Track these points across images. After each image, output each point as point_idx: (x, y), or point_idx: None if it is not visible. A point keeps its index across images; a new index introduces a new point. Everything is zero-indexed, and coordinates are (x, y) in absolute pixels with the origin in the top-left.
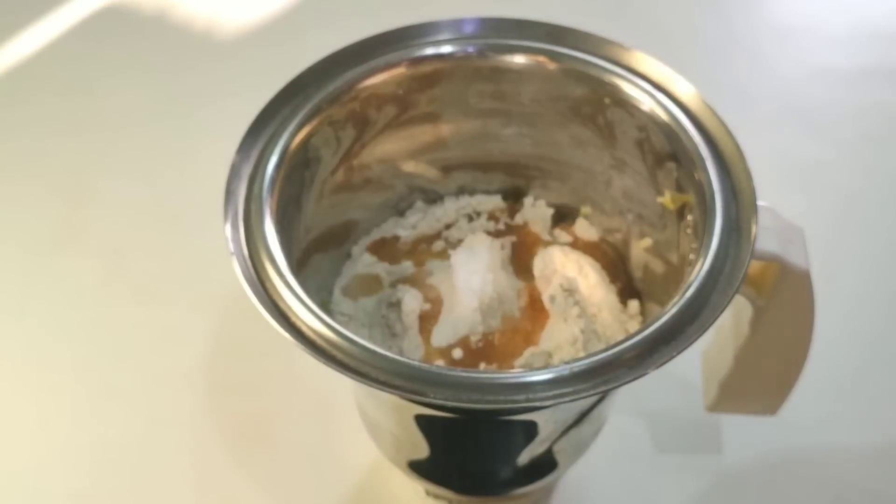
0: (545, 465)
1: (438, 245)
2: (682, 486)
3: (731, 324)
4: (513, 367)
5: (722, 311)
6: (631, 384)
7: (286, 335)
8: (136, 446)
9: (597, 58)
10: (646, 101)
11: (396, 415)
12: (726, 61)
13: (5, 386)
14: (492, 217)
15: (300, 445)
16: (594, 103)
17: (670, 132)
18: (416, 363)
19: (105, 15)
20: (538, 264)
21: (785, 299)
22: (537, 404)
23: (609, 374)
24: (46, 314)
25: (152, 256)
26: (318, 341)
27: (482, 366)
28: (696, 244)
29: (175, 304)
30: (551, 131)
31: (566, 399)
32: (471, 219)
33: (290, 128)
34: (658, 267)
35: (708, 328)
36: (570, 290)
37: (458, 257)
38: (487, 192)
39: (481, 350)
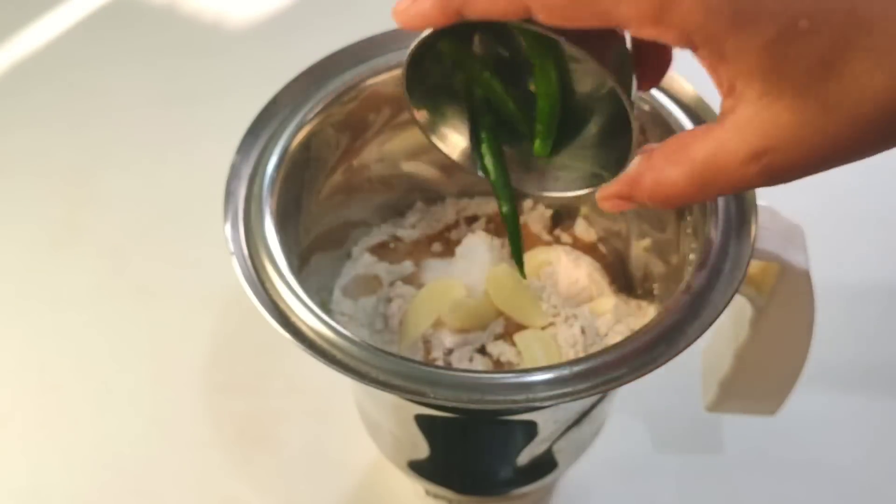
0: (545, 464)
1: (438, 245)
2: (682, 486)
3: (731, 324)
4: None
5: (722, 311)
6: (631, 384)
7: (286, 335)
8: (136, 446)
9: None
10: (646, 100)
11: (396, 415)
12: None
13: (6, 385)
14: (491, 220)
15: (300, 445)
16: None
17: (670, 132)
18: (416, 363)
19: (111, 9)
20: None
21: (785, 299)
22: (537, 404)
23: (609, 374)
24: (46, 313)
25: (152, 256)
26: (318, 341)
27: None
28: (696, 244)
29: (175, 304)
30: None
31: (566, 399)
32: (470, 221)
33: (290, 128)
34: (658, 267)
35: (708, 328)
36: (570, 291)
37: (457, 255)
38: (487, 195)
39: None
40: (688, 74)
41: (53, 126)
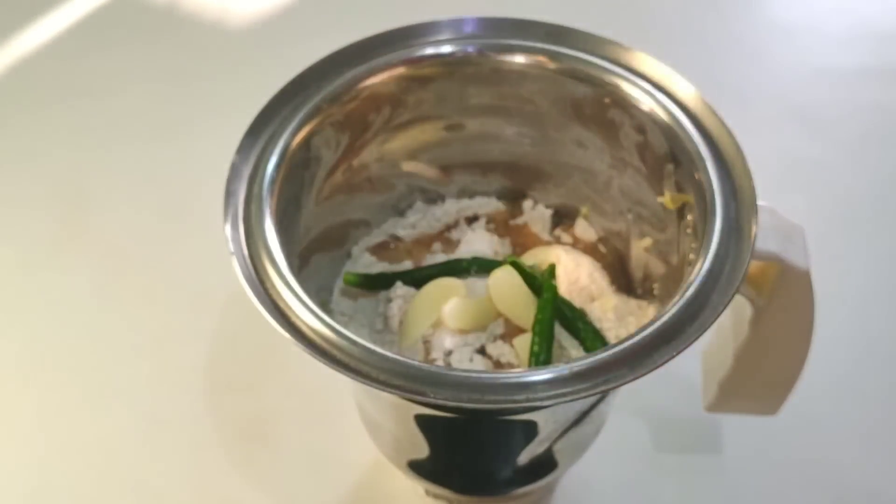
0: (545, 464)
1: (438, 245)
2: (682, 486)
3: (731, 324)
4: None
5: (722, 311)
6: (631, 384)
7: (286, 335)
8: (137, 446)
9: (597, 58)
10: (646, 101)
11: (396, 415)
12: (726, 61)
13: (6, 385)
14: (492, 220)
15: (300, 445)
16: (594, 103)
17: (670, 132)
18: (416, 363)
19: (111, 9)
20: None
21: (785, 299)
22: (537, 404)
23: (609, 374)
24: (47, 314)
25: (152, 256)
26: (318, 341)
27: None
28: (696, 244)
29: (175, 304)
30: (551, 131)
31: (566, 399)
32: (470, 221)
33: (290, 128)
34: (658, 267)
35: (708, 328)
36: (570, 291)
37: (459, 251)
38: (487, 195)
39: None
40: (689, 75)
41: (53, 126)
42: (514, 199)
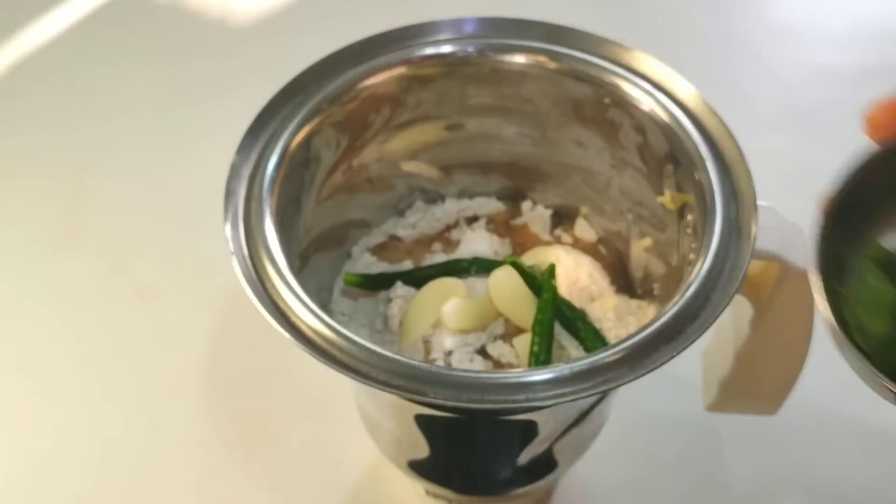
0: (545, 464)
1: (438, 245)
2: (682, 486)
3: (731, 324)
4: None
5: (722, 311)
6: (631, 384)
7: (286, 335)
8: (136, 446)
9: (597, 58)
10: (646, 101)
11: (396, 415)
12: (726, 61)
13: (6, 385)
14: (492, 220)
15: (300, 445)
16: (594, 103)
17: (670, 132)
18: (416, 363)
19: (111, 8)
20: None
21: (785, 299)
22: (537, 404)
23: (609, 374)
24: (46, 313)
25: (153, 256)
26: (318, 341)
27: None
28: (696, 244)
29: (175, 304)
30: (551, 131)
31: (566, 399)
32: (470, 221)
33: (291, 128)
34: (658, 267)
35: (708, 328)
36: (570, 291)
37: (459, 251)
38: (487, 195)
39: None
40: (689, 75)
41: (53, 126)
42: (514, 199)
